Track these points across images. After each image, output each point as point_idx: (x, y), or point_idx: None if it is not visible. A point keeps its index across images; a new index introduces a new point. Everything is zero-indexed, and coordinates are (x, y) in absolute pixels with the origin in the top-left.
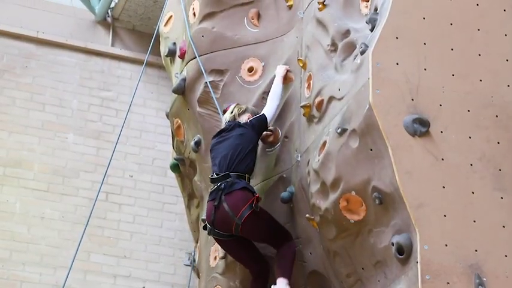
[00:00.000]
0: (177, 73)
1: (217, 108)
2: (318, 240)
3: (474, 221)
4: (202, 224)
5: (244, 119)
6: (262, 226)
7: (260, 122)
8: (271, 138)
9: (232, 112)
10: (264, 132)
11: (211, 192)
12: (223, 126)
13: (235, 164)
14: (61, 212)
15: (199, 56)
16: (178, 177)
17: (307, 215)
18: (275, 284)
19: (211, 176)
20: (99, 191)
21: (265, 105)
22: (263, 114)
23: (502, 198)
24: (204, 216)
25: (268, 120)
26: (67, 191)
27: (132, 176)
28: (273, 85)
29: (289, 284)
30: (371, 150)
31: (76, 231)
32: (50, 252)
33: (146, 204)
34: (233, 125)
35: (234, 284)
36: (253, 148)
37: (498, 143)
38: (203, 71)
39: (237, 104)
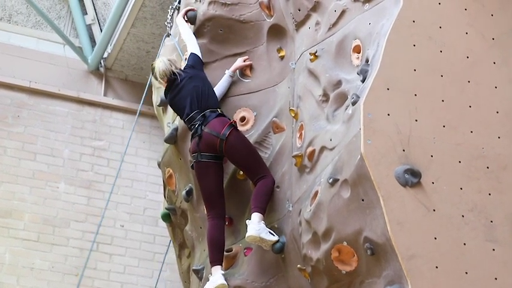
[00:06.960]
0: (169, 122)
1: None
2: None
3: (466, 273)
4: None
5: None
6: (244, 146)
7: (194, 60)
8: None
9: (166, 68)
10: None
11: (192, 134)
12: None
13: (204, 102)
14: (51, 262)
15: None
16: (170, 227)
17: (298, 266)
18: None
19: (185, 117)
20: (94, 241)
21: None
22: (191, 52)
23: (493, 249)
24: (195, 266)
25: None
26: (57, 241)
27: (123, 226)
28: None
29: (264, 219)
30: (362, 200)
31: (66, 281)
32: None
33: (137, 254)
34: (176, 75)
35: None
36: (208, 82)
37: (489, 194)
38: None
39: (162, 60)
